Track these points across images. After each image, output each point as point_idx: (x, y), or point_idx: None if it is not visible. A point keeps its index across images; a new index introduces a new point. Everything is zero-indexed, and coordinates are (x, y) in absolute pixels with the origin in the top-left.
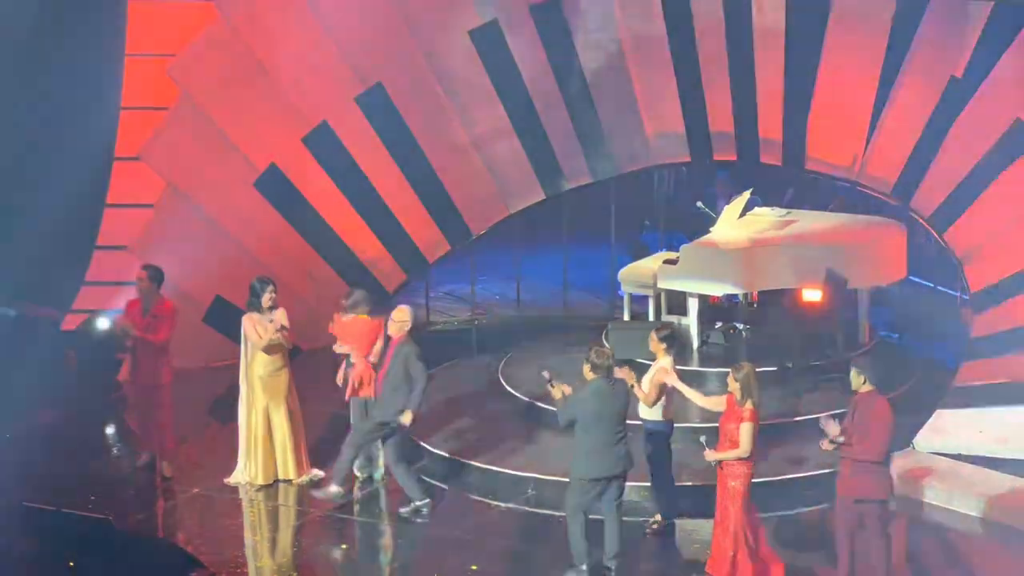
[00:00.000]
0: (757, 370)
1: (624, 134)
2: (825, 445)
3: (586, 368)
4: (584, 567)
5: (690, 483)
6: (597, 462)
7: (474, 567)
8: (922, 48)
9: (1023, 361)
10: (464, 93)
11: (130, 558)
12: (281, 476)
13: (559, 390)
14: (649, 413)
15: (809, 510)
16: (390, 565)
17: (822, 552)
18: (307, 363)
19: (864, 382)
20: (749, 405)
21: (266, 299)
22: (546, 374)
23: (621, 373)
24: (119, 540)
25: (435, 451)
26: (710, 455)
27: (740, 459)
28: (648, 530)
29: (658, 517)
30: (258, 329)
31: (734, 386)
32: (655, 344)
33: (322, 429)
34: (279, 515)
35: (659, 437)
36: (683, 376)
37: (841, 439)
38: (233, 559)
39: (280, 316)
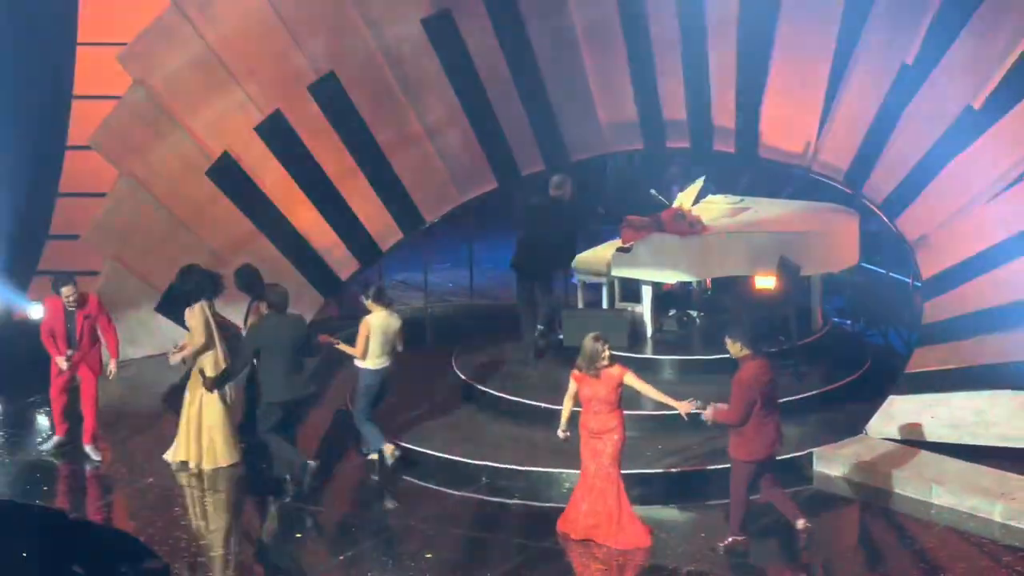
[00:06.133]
0: (711, 357)
1: (577, 121)
2: (684, 412)
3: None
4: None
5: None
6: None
7: (428, 555)
8: (873, 35)
9: (974, 347)
10: (417, 81)
11: (84, 549)
12: (224, 462)
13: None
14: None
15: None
16: (344, 554)
17: (775, 540)
18: None
19: (740, 348)
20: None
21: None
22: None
23: (685, 406)
24: (73, 531)
25: (389, 440)
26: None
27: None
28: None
29: None
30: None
31: None
32: (370, 303)
33: None
34: (233, 504)
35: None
36: (637, 363)
37: (696, 409)
38: (187, 549)
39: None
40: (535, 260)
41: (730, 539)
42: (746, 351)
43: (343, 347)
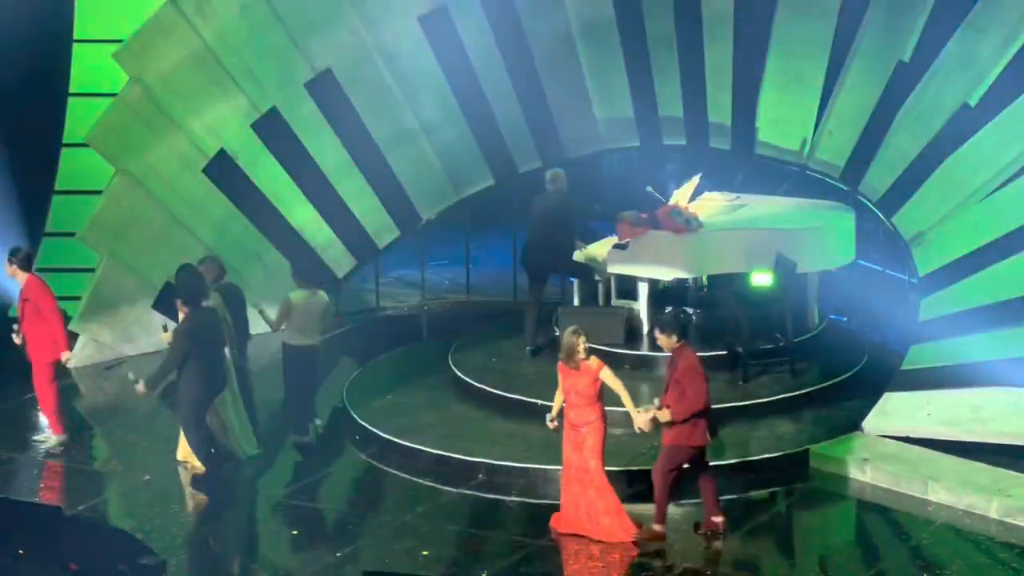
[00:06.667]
0: (706, 354)
1: (573, 119)
2: (638, 427)
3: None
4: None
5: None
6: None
7: (425, 552)
8: (869, 33)
9: (970, 344)
10: (414, 79)
11: (80, 546)
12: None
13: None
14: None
15: (757, 493)
16: (340, 551)
17: (772, 536)
18: (256, 349)
19: (676, 340)
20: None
21: None
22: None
23: (649, 417)
24: (69, 528)
25: (386, 436)
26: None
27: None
28: None
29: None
30: None
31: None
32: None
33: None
34: (230, 501)
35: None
36: (633, 360)
37: (666, 416)
38: (183, 545)
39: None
40: (545, 258)
41: (653, 528)
42: (681, 342)
43: (264, 316)
